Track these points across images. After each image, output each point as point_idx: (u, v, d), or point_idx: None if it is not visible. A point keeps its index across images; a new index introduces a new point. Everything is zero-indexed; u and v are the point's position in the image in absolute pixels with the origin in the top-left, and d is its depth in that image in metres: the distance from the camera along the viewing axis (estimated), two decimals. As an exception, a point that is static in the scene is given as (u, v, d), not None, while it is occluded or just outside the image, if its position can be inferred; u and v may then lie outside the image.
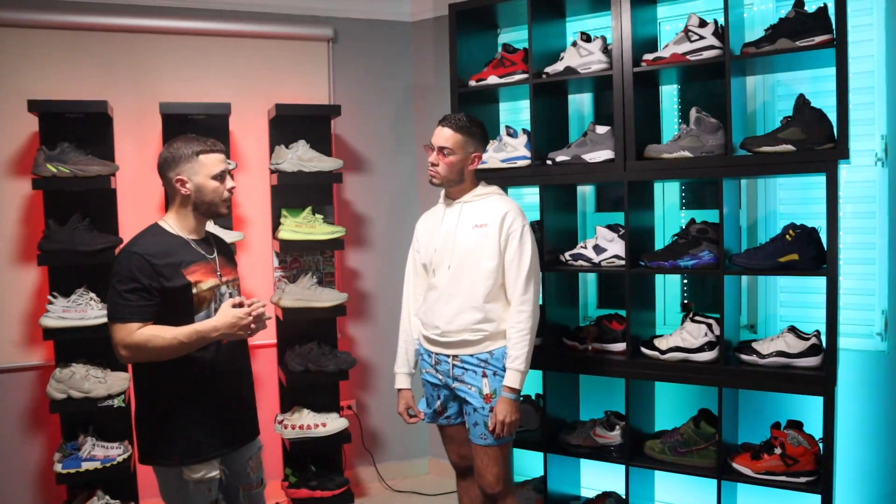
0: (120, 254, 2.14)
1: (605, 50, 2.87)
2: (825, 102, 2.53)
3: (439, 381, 2.57)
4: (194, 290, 2.13)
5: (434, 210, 2.66)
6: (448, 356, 2.52)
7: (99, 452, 3.02)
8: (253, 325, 2.15)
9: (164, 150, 2.20)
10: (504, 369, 2.47)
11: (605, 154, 2.87)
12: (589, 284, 3.44)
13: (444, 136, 2.49)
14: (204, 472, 2.15)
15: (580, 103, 3.37)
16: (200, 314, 2.15)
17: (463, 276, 2.48)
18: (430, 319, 2.55)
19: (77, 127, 3.11)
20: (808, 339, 2.60)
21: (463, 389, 2.51)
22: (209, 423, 2.17)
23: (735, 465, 2.68)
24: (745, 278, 2.95)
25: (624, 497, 2.93)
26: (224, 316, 2.13)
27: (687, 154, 2.70)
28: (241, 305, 2.17)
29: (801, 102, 2.56)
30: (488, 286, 2.47)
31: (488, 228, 2.47)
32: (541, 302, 2.63)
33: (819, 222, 2.55)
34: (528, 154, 3.01)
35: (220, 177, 2.19)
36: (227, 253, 2.35)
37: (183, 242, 2.18)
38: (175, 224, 2.20)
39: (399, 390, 2.68)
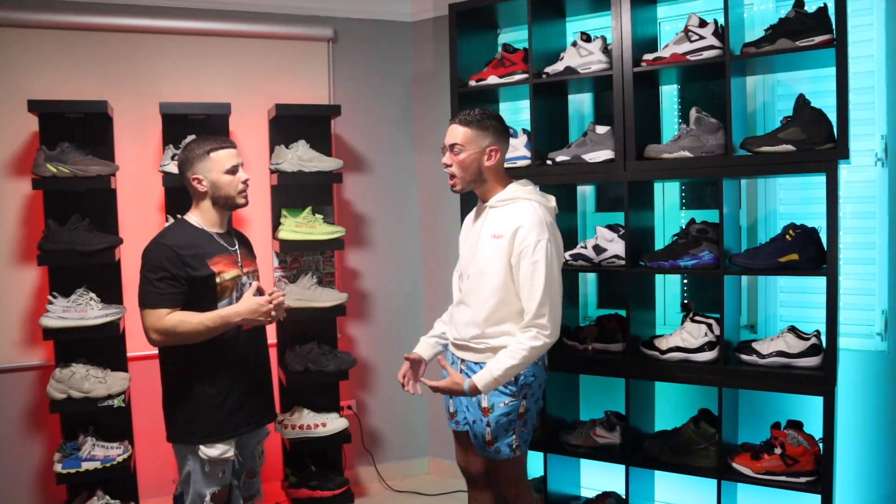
0: (150, 245, 2.31)
1: (605, 50, 2.87)
2: (825, 102, 2.53)
3: None
4: (218, 280, 2.31)
5: (475, 209, 2.53)
6: (458, 359, 2.47)
7: (99, 452, 3.02)
8: (273, 313, 2.32)
9: (180, 153, 2.39)
10: (504, 384, 2.34)
11: (605, 154, 2.87)
12: (589, 284, 3.44)
13: (453, 133, 2.35)
14: (221, 451, 2.30)
15: (580, 103, 3.37)
16: (223, 302, 2.33)
17: (476, 289, 2.38)
18: (452, 322, 2.51)
19: (77, 127, 3.11)
20: (808, 339, 2.60)
21: (465, 397, 2.42)
22: (229, 403, 2.34)
23: (735, 465, 2.68)
24: (745, 278, 2.95)
25: (624, 497, 2.93)
26: (246, 303, 2.31)
27: (687, 154, 2.70)
28: (261, 293, 2.36)
29: (801, 102, 2.56)
30: (493, 304, 2.33)
31: (502, 241, 2.30)
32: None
33: (819, 222, 2.55)
34: (528, 154, 3.01)
35: (233, 170, 2.36)
36: (248, 246, 2.54)
37: (207, 235, 2.36)
38: (199, 219, 2.38)
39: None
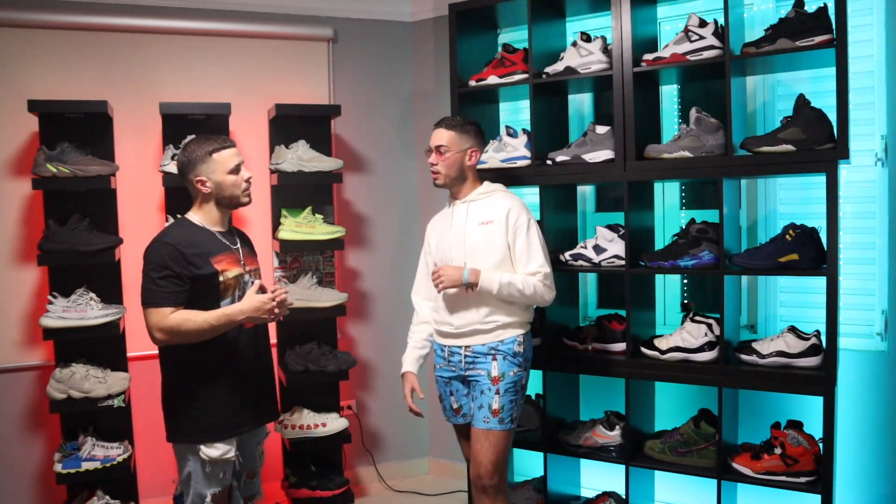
0: (152, 244, 2.30)
1: (605, 50, 2.87)
2: (825, 102, 2.53)
3: (452, 373, 2.61)
4: (221, 278, 2.31)
5: (443, 212, 2.72)
6: (460, 347, 2.56)
7: (99, 452, 3.02)
8: (276, 310, 2.32)
9: (179, 155, 2.36)
10: (513, 355, 2.51)
11: (605, 154, 2.87)
12: (589, 284, 3.44)
13: (439, 135, 2.60)
14: (222, 451, 2.29)
15: (580, 103, 3.37)
16: (226, 300, 2.33)
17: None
18: (443, 316, 2.60)
19: (77, 127, 3.10)
20: (808, 339, 2.60)
21: (474, 375, 2.55)
22: (231, 402, 2.33)
23: (735, 465, 2.68)
24: (745, 278, 2.95)
25: (624, 497, 2.93)
26: (249, 300, 2.30)
27: (687, 154, 2.70)
28: (263, 291, 2.34)
29: (801, 102, 2.56)
30: None
31: (494, 225, 2.53)
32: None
33: (819, 222, 2.55)
34: (528, 154, 3.01)
35: (235, 170, 2.36)
36: (249, 244, 2.54)
37: (209, 234, 2.36)
38: (202, 218, 2.38)
39: (403, 374, 2.69)
